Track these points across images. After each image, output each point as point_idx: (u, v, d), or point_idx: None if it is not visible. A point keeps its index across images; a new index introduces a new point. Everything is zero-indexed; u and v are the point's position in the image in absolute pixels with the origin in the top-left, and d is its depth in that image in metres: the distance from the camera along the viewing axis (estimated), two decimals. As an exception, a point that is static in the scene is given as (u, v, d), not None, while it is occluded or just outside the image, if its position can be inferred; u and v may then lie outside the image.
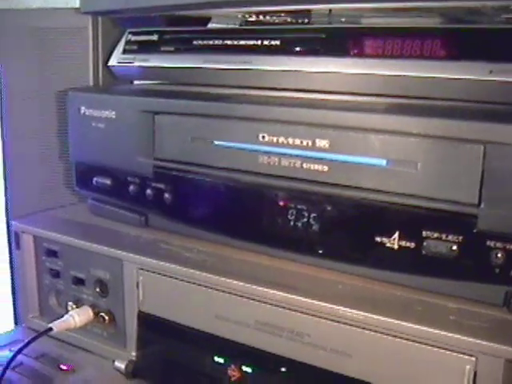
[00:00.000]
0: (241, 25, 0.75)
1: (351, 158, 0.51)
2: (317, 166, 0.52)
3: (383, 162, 0.50)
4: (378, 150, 0.50)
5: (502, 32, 0.54)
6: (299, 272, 0.55)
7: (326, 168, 0.52)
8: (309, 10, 0.65)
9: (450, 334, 0.45)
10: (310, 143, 0.52)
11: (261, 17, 0.70)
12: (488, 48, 0.53)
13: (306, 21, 0.71)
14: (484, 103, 0.54)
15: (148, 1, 0.64)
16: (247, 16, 0.70)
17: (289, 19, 0.71)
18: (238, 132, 0.56)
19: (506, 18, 0.58)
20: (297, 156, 0.53)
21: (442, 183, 0.48)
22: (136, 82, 0.80)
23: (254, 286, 0.53)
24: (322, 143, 0.52)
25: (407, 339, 0.47)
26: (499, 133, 0.45)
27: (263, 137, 0.54)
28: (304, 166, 0.53)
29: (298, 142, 0.53)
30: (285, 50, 0.61)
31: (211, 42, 0.66)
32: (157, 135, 0.60)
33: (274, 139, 0.54)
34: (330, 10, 0.64)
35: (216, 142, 0.57)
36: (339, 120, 0.51)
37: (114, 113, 0.62)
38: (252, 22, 0.72)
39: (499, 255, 0.46)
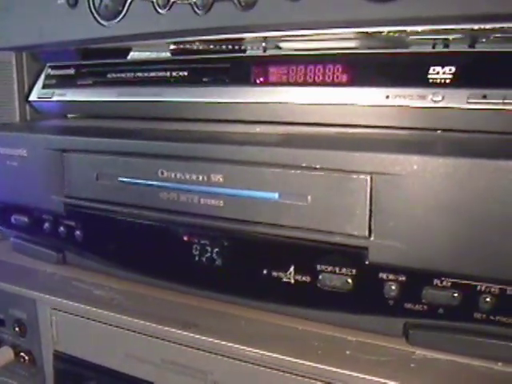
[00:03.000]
0: (172, 54, 0.75)
1: (244, 192, 0.50)
2: (213, 201, 0.51)
3: (275, 196, 0.49)
4: (269, 183, 0.49)
5: (398, 56, 0.53)
6: (206, 308, 0.55)
7: (221, 203, 0.51)
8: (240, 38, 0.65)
9: (342, 371, 0.44)
10: (205, 178, 0.51)
11: (181, 45, 0.70)
12: (384, 72, 0.52)
13: (231, 47, 0.71)
14: (382, 128, 0.53)
15: (62, 35, 0.63)
16: (166, 45, 0.69)
17: (212, 46, 0.71)
18: (140, 168, 0.55)
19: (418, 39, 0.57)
20: (194, 191, 0.52)
21: (332, 215, 0.47)
22: (70, 116, 0.79)
23: (160, 326, 0.52)
24: (216, 178, 0.51)
25: (303, 376, 0.46)
26: (383, 163, 0.44)
27: (162, 172, 0.53)
28: (201, 201, 0.52)
29: (194, 177, 0.52)
30: (192, 80, 0.61)
31: (124, 75, 0.65)
32: (66, 173, 0.60)
33: (172, 175, 0.53)
34: (265, 37, 0.63)
35: (120, 179, 0.56)
36: (230, 154, 0.50)
37: (25, 151, 0.61)
38: (174, 50, 0.72)
39: (393, 287, 0.46)
